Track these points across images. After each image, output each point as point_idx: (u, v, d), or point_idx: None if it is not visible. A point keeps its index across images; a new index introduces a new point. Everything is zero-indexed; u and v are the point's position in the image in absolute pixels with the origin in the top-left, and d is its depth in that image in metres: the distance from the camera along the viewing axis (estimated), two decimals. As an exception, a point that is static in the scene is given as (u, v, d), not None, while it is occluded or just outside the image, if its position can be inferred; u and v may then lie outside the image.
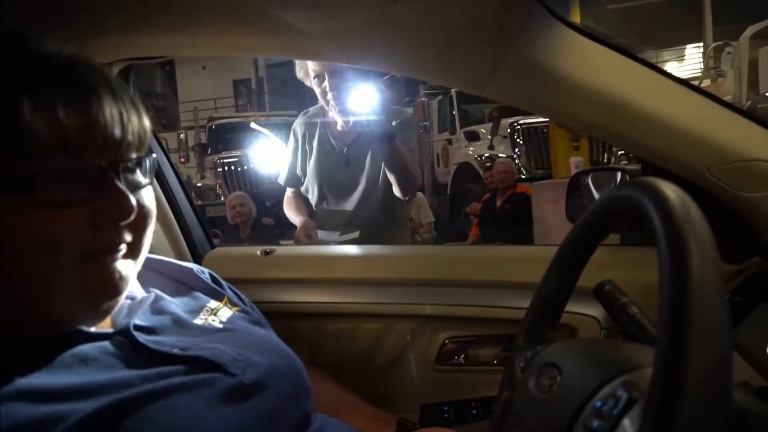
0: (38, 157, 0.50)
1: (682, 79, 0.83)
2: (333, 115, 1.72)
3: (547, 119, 7.46)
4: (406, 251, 1.21)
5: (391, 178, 1.71)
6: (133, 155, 0.58)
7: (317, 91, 1.69)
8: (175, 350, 0.60)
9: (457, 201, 7.90)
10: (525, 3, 0.78)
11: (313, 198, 1.83)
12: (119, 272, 0.57)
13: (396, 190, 1.74)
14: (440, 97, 8.81)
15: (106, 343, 0.58)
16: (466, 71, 0.87)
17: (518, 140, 7.23)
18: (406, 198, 1.85)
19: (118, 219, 0.55)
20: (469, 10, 0.77)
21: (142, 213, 0.58)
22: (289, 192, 1.91)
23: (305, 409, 0.68)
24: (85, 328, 0.58)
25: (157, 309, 0.67)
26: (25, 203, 0.50)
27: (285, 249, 1.18)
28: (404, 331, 1.09)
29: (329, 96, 1.64)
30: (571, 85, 0.80)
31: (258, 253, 1.17)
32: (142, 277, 0.68)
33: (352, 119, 1.63)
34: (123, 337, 0.60)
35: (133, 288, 0.67)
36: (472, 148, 7.88)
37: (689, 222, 0.40)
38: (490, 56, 0.82)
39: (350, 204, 1.80)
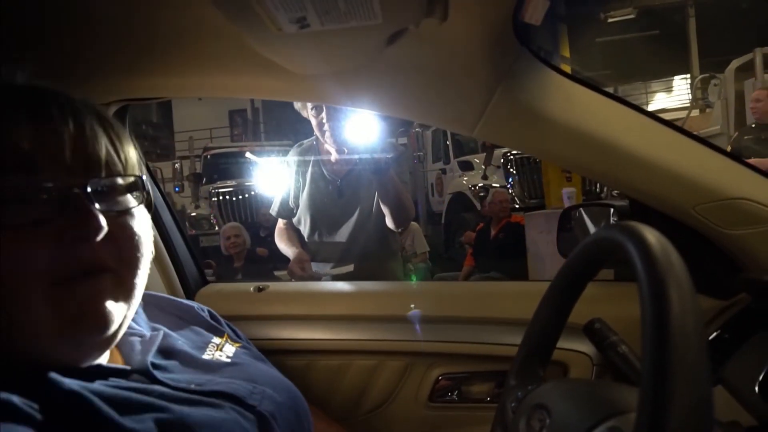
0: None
1: (667, 120, 0.86)
2: (328, 146, 1.75)
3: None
4: (399, 287, 1.22)
5: (385, 210, 1.73)
6: (117, 179, 0.57)
7: (313, 122, 1.72)
8: (192, 386, 0.61)
9: (451, 230, 7.92)
10: (512, 47, 0.80)
11: (305, 229, 1.84)
12: (102, 302, 0.53)
13: (389, 222, 1.76)
14: (434, 127, 8.92)
15: (124, 381, 0.58)
16: (456, 113, 0.90)
17: (511, 170, 7.30)
18: (399, 230, 1.86)
19: (84, 237, 0.52)
20: (458, 55, 0.79)
21: (125, 235, 0.56)
22: (280, 223, 1.92)
23: None
24: (104, 364, 0.58)
25: (166, 346, 0.68)
26: None
27: (278, 285, 1.18)
28: (397, 367, 1.08)
29: (325, 127, 1.66)
30: (558, 127, 0.82)
31: (251, 289, 1.17)
32: (144, 314, 0.69)
33: (347, 152, 1.65)
34: (141, 374, 0.60)
35: (140, 325, 0.68)
36: (465, 178, 7.94)
37: (669, 267, 0.41)
38: (479, 98, 0.84)
39: (343, 236, 1.81)
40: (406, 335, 1.09)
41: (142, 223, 0.59)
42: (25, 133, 0.51)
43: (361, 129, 1.54)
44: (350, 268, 1.72)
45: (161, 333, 0.68)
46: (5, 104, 0.52)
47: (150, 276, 0.62)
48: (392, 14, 0.67)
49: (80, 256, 0.52)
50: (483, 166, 7.64)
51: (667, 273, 0.40)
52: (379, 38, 0.73)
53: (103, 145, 0.56)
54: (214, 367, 0.68)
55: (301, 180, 1.85)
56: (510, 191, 7.07)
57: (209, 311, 0.83)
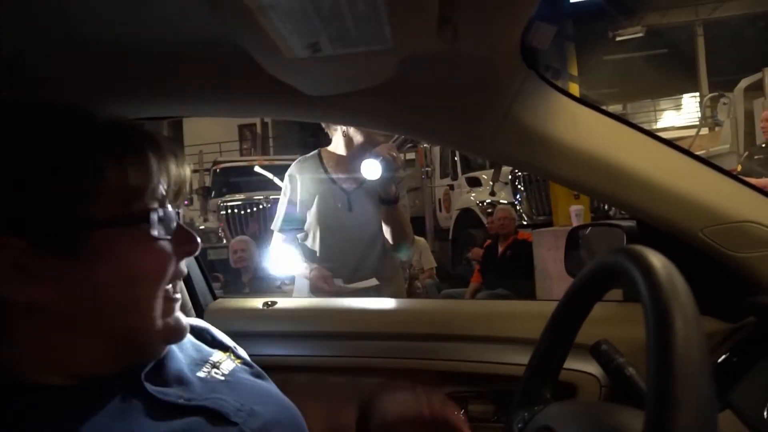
0: (149, 200, 0.59)
1: (673, 143, 0.87)
2: (334, 162, 1.78)
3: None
4: (407, 305, 1.22)
5: (386, 232, 1.76)
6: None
7: (338, 136, 1.77)
8: (180, 401, 0.62)
9: (459, 246, 7.90)
10: (519, 70, 0.82)
11: (315, 244, 1.83)
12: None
13: (389, 242, 1.79)
14: (442, 143, 8.96)
15: (118, 391, 0.60)
16: (463, 134, 0.91)
17: (519, 187, 7.30)
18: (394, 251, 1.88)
19: (191, 252, 0.63)
20: (466, 77, 0.81)
21: None
22: (279, 240, 1.89)
23: None
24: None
25: (164, 360, 0.69)
26: (144, 234, 0.58)
27: (287, 301, 1.19)
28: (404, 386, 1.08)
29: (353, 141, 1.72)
30: (564, 149, 0.83)
31: (260, 305, 1.18)
32: None
33: (356, 168, 1.67)
34: (132, 384, 0.61)
35: None
36: (473, 194, 7.95)
37: (674, 294, 0.42)
38: (486, 120, 0.85)
39: (354, 251, 1.81)
40: (414, 354, 1.09)
41: None
42: (150, 166, 0.59)
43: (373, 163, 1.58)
44: (373, 281, 1.73)
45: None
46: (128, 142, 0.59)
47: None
48: (403, 39, 0.68)
49: (179, 268, 0.63)
50: (491, 183, 7.65)
51: (671, 300, 0.41)
52: (389, 62, 0.75)
53: (184, 176, 0.65)
54: (207, 384, 0.69)
55: (306, 194, 1.85)
56: (518, 208, 7.06)
57: (213, 330, 0.83)
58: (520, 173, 7.29)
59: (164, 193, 0.61)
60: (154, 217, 0.58)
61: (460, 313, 1.15)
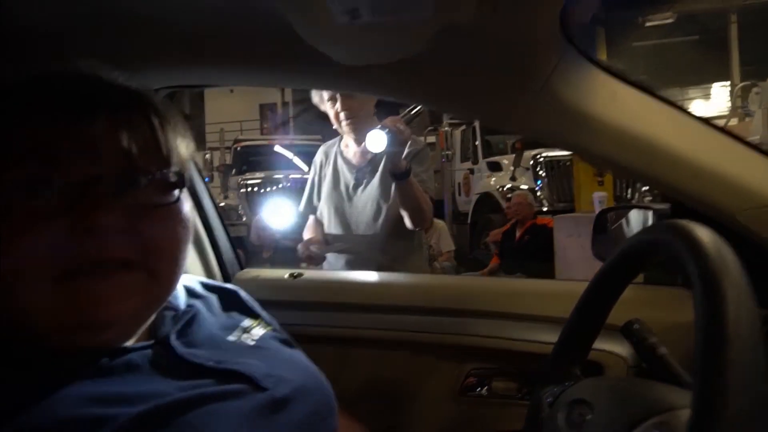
0: (11, 165, 0.51)
1: (713, 123, 0.84)
2: (346, 138, 1.76)
3: (571, 152, 7.51)
4: (433, 280, 1.23)
5: (403, 212, 1.72)
6: (153, 171, 0.56)
7: (330, 114, 1.74)
8: (210, 363, 0.62)
9: (478, 230, 7.88)
10: (558, 44, 0.80)
11: (326, 223, 1.85)
12: (112, 297, 0.54)
13: (407, 222, 1.75)
14: (463, 127, 8.87)
15: (148, 351, 0.60)
16: (499, 109, 0.90)
17: (540, 172, 7.23)
18: (417, 229, 1.85)
19: (90, 228, 0.51)
20: (505, 50, 0.79)
21: (154, 229, 0.56)
22: (310, 220, 1.92)
23: (330, 428, 0.69)
24: (129, 345, 0.60)
25: (194, 324, 0.70)
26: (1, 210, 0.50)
27: (313, 273, 1.20)
28: (428, 360, 1.09)
29: (341, 117, 1.70)
30: (601, 125, 0.82)
31: (286, 276, 1.19)
32: (185, 291, 0.71)
33: (364, 144, 1.65)
34: (162, 347, 0.62)
35: (179, 300, 0.70)
36: (494, 179, 7.89)
37: (725, 267, 0.41)
38: (523, 94, 0.84)
39: (363, 228, 1.80)
40: (438, 328, 1.09)
41: (177, 217, 0.60)
42: (43, 120, 0.52)
43: (378, 133, 1.55)
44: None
45: (193, 310, 0.70)
46: (35, 93, 0.54)
47: (189, 259, 0.64)
48: (443, 8, 0.67)
49: (94, 250, 0.52)
50: (512, 168, 7.58)
51: (721, 269, 0.40)
52: (428, 32, 0.74)
53: (141, 135, 0.56)
54: (237, 348, 0.69)
55: (323, 175, 1.87)
56: (538, 194, 7.00)
57: (246, 295, 0.84)
58: (542, 159, 7.21)
59: (43, 151, 0.52)
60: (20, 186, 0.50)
61: (486, 289, 1.15)
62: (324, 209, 1.85)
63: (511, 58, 0.80)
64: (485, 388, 1.09)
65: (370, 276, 1.26)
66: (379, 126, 1.59)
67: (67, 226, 0.51)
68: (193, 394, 0.56)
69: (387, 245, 1.77)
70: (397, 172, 1.64)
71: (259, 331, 0.76)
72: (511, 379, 1.07)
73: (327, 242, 1.83)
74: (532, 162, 7.30)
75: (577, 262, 4.06)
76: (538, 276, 4.60)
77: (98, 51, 0.81)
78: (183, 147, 0.62)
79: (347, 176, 1.82)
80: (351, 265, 1.79)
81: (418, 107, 1.77)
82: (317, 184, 1.89)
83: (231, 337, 0.72)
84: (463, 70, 0.84)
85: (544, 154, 7.23)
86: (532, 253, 4.85)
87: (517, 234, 5.11)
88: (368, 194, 1.79)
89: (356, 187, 1.81)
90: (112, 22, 0.78)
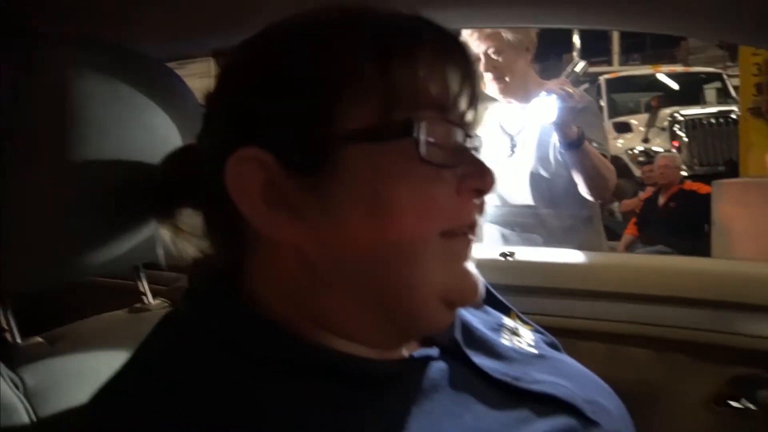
0: (413, 107, 0.42)
1: None
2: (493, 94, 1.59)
3: (716, 110, 6.68)
4: (672, 262, 1.03)
5: (580, 183, 1.49)
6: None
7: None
8: (507, 379, 0.49)
9: (604, 198, 7.38)
10: None
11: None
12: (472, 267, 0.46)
13: (585, 193, 1.53)
14: (587, 85, 8.23)
15: (443, 364, 0.48)
16: (728, 21, 0.69)
17: (679, 133, 6.53)
18: (597, 201, 1.62)
19: (483, 190, 0.45)
20: None
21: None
22: None
23: None
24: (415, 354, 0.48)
25: (462, 323, 0.57)
26: (408, 153, 0.41)
27: (526, 252, 1.05)
28: (676, 360, 0.91)
29: (487, 78, 1.52)
30: None
31: (496, 255, 1.06)
32: None
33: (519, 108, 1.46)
34: (452, 356, 0.49)
35: None
36: (621, 141, 7.28)
37: None
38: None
39: (521, 198, 1.63)
40: (688, 322, 0.91)
41: None
42: (445, 71, 0.44)
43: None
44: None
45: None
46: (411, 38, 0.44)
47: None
48: None
49: (470, 213, 0.45)
50: (644, 128, 6.93)
51: None
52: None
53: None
54: (520, 357, 0.55)
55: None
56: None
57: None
58: (681, 117, 6.50)
59: (447, 104, 0.44)
60: (422, 130, 0.41)
61: (756, 278, 0.94)
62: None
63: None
64: (752, 398, 0.89)
65: (591, 257, 1.09)
66: (543, 91, 1.37)
67: (457, 180, 0.44)
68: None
69: (551, 218, 1.58)
70: (570, 141, 1.42)
71: (528, 333, 0.62)
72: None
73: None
74: (668, 121, 6.61)
75: (739, 234, 3.58)
76: (684, 248, 4.13)
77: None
78: None
79: (503, 140, 1.65)
80: (507, 240, 1.63)
81: (580, 64, 1.56)
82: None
83: (504, 341, 0.58)
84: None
85: (682, 112, 6.53)
86: (679, 223, 4.37)
87: (661, 201, 4.61)
88: (525, 161, 1.62)
89: (513, 150, 1.64)
90: None
